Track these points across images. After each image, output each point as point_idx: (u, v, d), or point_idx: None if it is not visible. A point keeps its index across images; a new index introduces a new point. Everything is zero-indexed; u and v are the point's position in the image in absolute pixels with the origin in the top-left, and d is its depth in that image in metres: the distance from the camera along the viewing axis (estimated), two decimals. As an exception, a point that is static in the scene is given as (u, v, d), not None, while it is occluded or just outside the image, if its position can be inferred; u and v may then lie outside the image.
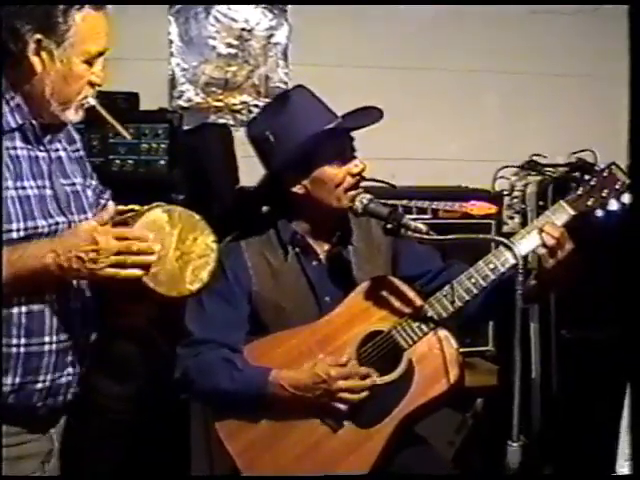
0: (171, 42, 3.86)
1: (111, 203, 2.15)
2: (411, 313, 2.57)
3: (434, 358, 2.54)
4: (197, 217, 2.16)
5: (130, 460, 3.33)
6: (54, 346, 2.13)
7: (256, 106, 3.92)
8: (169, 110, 3.66)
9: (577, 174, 3.82)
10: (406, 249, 2.73)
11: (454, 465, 3.37)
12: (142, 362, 3.31)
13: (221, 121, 3.93)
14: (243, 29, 3.92)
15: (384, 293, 2.61)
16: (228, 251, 2.65)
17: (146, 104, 3.60)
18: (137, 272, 2.02)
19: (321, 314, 2.63)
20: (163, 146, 3.35)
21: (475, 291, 2.51)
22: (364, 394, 2.51)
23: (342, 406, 2.51)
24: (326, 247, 2.70)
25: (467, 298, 2.52)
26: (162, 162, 3.36)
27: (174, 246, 2.10)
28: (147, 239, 2.02)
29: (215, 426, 2.60)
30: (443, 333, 2.56)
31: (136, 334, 3.24)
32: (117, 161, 3.33)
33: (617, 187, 2.47)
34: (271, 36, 3.95)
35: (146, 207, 2.12)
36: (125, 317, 2.38)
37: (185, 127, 3.63)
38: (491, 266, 2.50)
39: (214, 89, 3.93)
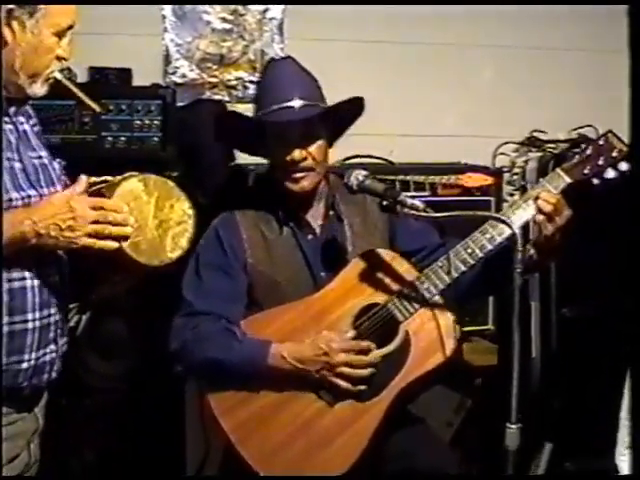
0: (164, 17, 3.80)
1: (83, 176, 2.10)
2: (407, 285, 2.55)
3: (430, 330, 2.53)
4: (171, 184, 2.16)
5: (122, 440, 3.31)
6: (37, 323, 2.11)
7: (252, 82, 3.88)
8: (162, 86, 3.61)
9: (577, 150, 3.78)
10: (402, 225, 2.71)
11: (453, 446, 3.36)
12: (132, 340, 3.29)
13: (216, 97, 3.87)
14: (238, 3, 3.86)
15: (379, 266, 2.59)
16: (223, 223, 2.67)
17: (140, 80, 3.55)
18: (113, 244, 2.01)
19: (316, 289, 2.62)
20: (156, 122, 3.30)
21: (471, 261, 2.50)
22: (366, 371, 2.50)
23: (342, 382, 2.49)
24: (320, 221, 2.70)
25: (463, 269, 2.50)
26: (155, 139, 3.31)
27: (152, 214, 2.10)
28: (122, 210, 2.01)
29: (209, 402, 2.56)
30: (439, 305, 2.54)
31: (119, 309, 3.23)
32: (109, 138, 3.27)
33: (614, 155, 2.46)
34: (266, 10, 3.89)
35: (120, 177, 2.11)
36: (104, 286, 2.35)
37: (180, 103, 3.58)
38: (487, 236, 2.49)
39: (209, 65, 3.88)
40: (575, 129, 3.94)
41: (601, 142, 2.48)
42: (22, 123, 2.20)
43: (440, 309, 2.54)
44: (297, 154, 2.58)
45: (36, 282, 2.11)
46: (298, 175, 2.60)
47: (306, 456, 2.49)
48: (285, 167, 2.60)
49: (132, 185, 2.08)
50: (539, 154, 3.82)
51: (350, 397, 2.51)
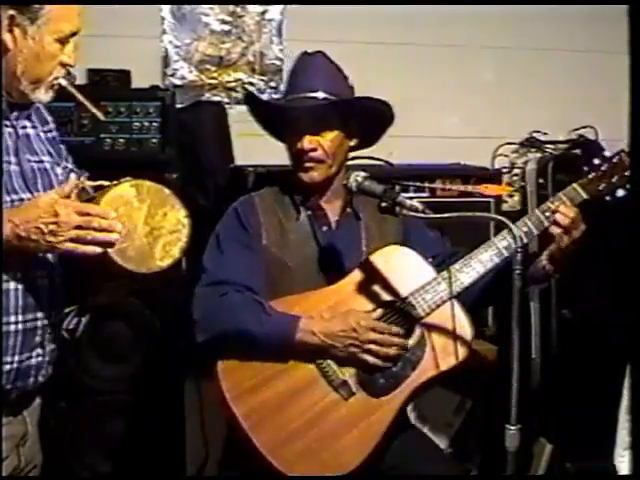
0: (163, 19, 3.80)
1: (73, 175, 2.11)
2: (424, 285, 2.55)
3: (447, 331, 2.54)
4: (167, 191, 2.12)
5: (122, 441, 3.30)
6: (20, 326, 2.10)
7: (251, 83, 3.89)
8: (161, 88, 3.61)
9: (577, 151, 3.79)
10: (417, 233, 2.73)
11: (453, 447, 3.36)
12: (131, 342, 3.28)
13: (215, 99, 3.88)
14: (236, 5, 3.86)
15: (397, 263, 2.60)
16: (243, 204, 2.71)
17: (139, 82, 3.55)
18: (96, 249, 1.97)
19: (325, 280, 2.63)
20: (155, 124, 3.30)
21: (489, 265, 2.51)
22: (393, 350, 2.50)
23: (370, 358, 2.50)
24: (336, 216, 2.73)
25: (481, 271, 2.52)
26: (154, 140, 3.30)
27: (143, 221, 2.06)
28: (109, 217, 1.98)
29: (221, 387, 2.51)
30: (456, 306, 2.55)
31: (119, 311, 3.22)
32: (108, 140, 3.27)
33: (626, 174, 2.50)
34: (265, 12, 3.89)
35: (114, 182, 2.07)
36: (101, 294, 2.35)
37: (179, 105, 3.58)
38: (504, 243, 2.51)
39: (208, 66, 3.88)
40: (574, 130, 3.95)
41: (615, 160, 2.52)
42: (25, 127, 2.20)
43: (457, 309, 2.54)
44: (306, 143, 2.62)
45: (20, 285, 2.10)
46: (307, 165, 2.64)
47: (318, 447, 2.48)
48: (296, 156, 2.65)
49: (123, 190, 2.05)
50: (538, 155, 3.82)
51: (365, 390, 2.51)
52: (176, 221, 2.11)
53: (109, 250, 1.99)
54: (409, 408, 2.72)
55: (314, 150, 2.62)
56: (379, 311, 2.56)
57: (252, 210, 2.69)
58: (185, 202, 2.16)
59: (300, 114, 2.64)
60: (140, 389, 3.27)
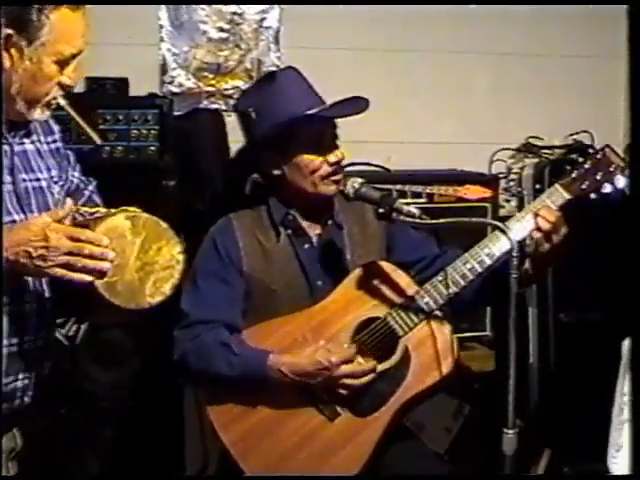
0: (161, 27, 3.81)
1: (69, 200, 2.02)
2: (407, 299, 2.54)
3: (430, 345, 2.52)
4: (164, 225, 2.02)
5: (121, 448, 3.31)
6: (5, 350, 2.02)
7: (248, 91, 3.89)
8: (159, 95, 3.62)
9: (574, 156, 3.80)
10: (401, 235, 2.70)
11: (451, 452, 3.36)
12: (130, 349, 3.29)
13: (213, 106, 3.89)
14: (234, 13, 3.87)
15: (379, 279, 2.58)
16: (220, 230, 2.66)
17: (137, 90, 3.57)
18: (86, 277, 1.90)
19: (312, 298, 2.61)
20: (153, 132, 3.31)
21: (471, 276, 2.49)
22: (365, 378, 2.49)
23: (344, 391, 2.49)
24: (317, 230, 2.69)
25: (463, 284, 2.50)
26: (152, 148, 3.32)
27: (135, 255, 1.97)
28: (102, 243, 1.91)
29: (209, 415, 2.56)
30: (439, 319, 2.54)
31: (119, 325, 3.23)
32: (106, 148, 3.28)
33: (611, 170, 2.45)
34: (262, 20, 3.90)
35: (112, 211, 2.01)
36: (100, 315, 2.31)
37: (177, 112, 3.60)
38: (487, 251, 2.48)
39: (206, 74, 3.89)
40: (570, 135, 3.96)
41: (599, 156, 2.46)
42: (22, 143, 2.13)
43: (440, 324, 2.54)
44: (339, 153, 2.57)
45: (9, 309, 2.02)
46: (338, 177, 2.58)
47: (307, 470, 2.49)
48: (327, 169, 2.57)
49: (118, 222, 1.96)
50: (535, 160, 3.83)
51: (350, 410, 2.51)
52: (170, 257, 2.02)
53: (96, 283, 1.92)
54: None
55: (342, 160, 2.59)
56: (356, 334, 2.55)
57: (230, 236, 2.64)
58: (181, 234, 2.08)
59: (332, 126, 2.58)
60: (139, 396, 3.28)
